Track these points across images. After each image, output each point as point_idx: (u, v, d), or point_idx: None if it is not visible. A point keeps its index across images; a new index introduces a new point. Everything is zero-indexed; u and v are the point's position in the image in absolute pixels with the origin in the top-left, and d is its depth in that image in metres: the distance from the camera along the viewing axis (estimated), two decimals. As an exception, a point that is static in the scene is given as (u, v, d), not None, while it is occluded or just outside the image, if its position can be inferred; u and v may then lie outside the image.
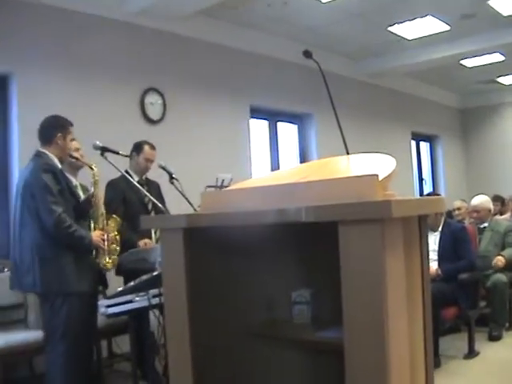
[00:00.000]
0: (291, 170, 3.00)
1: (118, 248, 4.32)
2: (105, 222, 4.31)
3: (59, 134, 4.12)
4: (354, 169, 2.38)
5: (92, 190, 4.32)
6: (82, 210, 4.22)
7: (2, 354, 4.36)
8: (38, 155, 4.10)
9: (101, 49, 6.02)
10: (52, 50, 5.64)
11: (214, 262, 2.30)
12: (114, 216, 4.40)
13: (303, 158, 8.58)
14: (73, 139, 4.25)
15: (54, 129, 4.15)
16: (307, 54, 2.92)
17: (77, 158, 4.36)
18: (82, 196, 4.38)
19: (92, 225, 4.28)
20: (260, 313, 2.53)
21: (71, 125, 4.24)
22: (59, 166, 4.12)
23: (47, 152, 4.10)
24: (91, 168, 4.32)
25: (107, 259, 4.23)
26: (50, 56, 5.62)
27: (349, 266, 1.78)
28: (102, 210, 4.32)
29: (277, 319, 2.55)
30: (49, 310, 4.05)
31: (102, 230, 4.25)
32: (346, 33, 7.78)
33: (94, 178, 4.30)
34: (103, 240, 4.20)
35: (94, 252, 4.15)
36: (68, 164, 4.40)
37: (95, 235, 4.14)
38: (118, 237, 4.35)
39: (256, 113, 7.82)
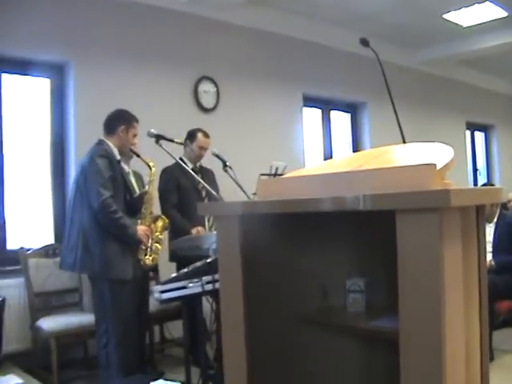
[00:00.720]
0: (346, 158, 3.00)
1: (160, 247, 4.39)
2: (152, 220, 4.39)
3: (122, 127, 4.28)
4: (410, 158, 2.36)
5: (146, 187, 4.40)
6: (133, 206, 4.29)
7: (57, 336, 4.52)
8: (99, 143, 4.23)
9: (155, 38, 6.08)
10: (108, 39, 5.72)
11: (269, 249, 2.31)
12: (163, 217, 4.49)
13: (356, 147, 8.52)
14: (135, 134, 4.36)
15: (118, 121, 4.31)
16: (364, 43, 2.88)
17: (138, 155, 4.43)
18: (134, 183, 4.45)
19: (139, 221, 4.35)
20: (314, 300, 2.53)
21: (136, 121, 4.38)
22: (118, 156, 4.21)
23: (107, 141, 4.24)
24: (149, 167, 4.40)
25: (147, 256, 4.28)
26: (105, 45, 5.71)
27: (406, 255, 1.77)
28: (152, 209, 4.40)
29: (331, 307, 2.55)
30: (96, 295, 4.18)
31: (149, 227, 4.32)
32: (400, 20, 7.65)
33: (150, 177, 4.40)
34: (147, 236, 4.26)
35: (135, 246, 4.21)
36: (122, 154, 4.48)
37: (141, 229, 4.22)
38: (161, 236, 4.43)
39: (309, 101, 7.78)
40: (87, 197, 4.03)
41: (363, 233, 2.43)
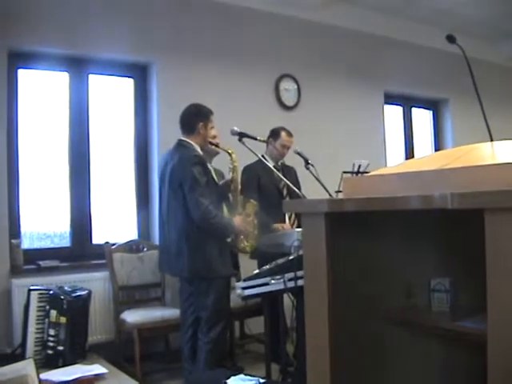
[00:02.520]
0: (430, 156, 2.97)
1: (255, 232, 4.42)
2: (243, 206, 4.41)
3: (201, 123, 4.26)
4: (499, 156, 2.32)
5: (230, 175, 4.42)
6: (220, 194, 4.35)
7: (140, 329, 4.65)
8: (183, 145, 4.24)
9: (237, 37, 6.17)
10: (190, 39, 5.83)
11: (354, 247, 2.32)
12: (251, 201, 4.49)
13: (438, 145, 8.37)
14: (212, 127, 4.37)
15: (196, 118, 4.28)
16: (451, 39, 2.83)
17: (217, 145, 4.47)
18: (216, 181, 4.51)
19: (225, 209, 4.41)
20: (398, 299, 2.53)
21: (211, 113, 4.36)
22: (201, 153, 4.25)
23: (190, 141, 4.24)
24: (229, 154, 4.41)
25: (246, 243, 4.35)
26: (188, 46, 5.82)
27: (495, 254, 1.74)
28: (240, 195, 4.42)
29: (415, 306, 2.54)
30: (190, 292, 4.26)
31: (241, 214, 4.35)
32: (485, 15, 7.46)
33: (232, 163, 4.40)
34: (244, 225, 4.31)
35: (233, 238, 4.30)
36: (204, 150, 4.55)
37: (237, 221, 4.26)
38: (255, 221, 4.44)
39: (390, 98, 7.71)
40: (186, 205, 4.07)
41: (448, 231, 2.42)
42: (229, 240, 4.31)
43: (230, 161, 4.43)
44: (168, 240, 4.23)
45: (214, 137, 4.53)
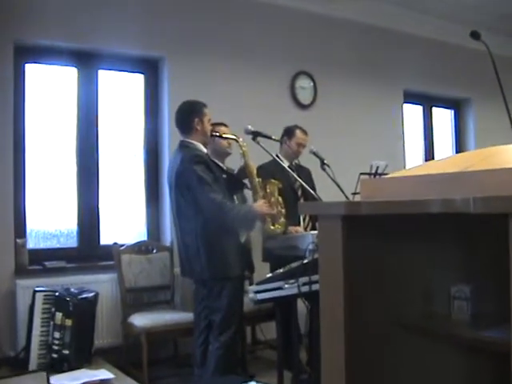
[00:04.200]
0: (451, 158, 2.96)
1: (283, 210, 4.41)
2: (264, 188, 4.38)
3: (196, 119, 4.23)
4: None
5: (242, 161, 4.37)
6: (236, 182, 4.33)
7: (149, 333, 4.65)
8: (185, 145, 4.23)
9: (251, 33, 6.17)
10: (203, 34, 5.83)
11: (372, 251, 2.31)
12: (272, 180, 4.47)
13: (459, 147, 8.33)
14: (209, 119, 4.32)
15: (189, 115, 4.26)
16: (475, 35, 2.81)
17: (219, 135, 4.43)
18: None
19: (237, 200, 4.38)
20: (417, 306, 2.52)
21: (205, 106, 4.31)
22: (205, 150, 4.25)
23: (192, 141, 4.23)
24: (236, 140, 4.36)
25: (275, 225, 4.33)
26: (200, 40, 5.82)
27: (519, 261, 1.74)
28: (257, 178, 4.36)
29: (434, 314, 2.53)
30: (209, 295, 4.23)
31: (264, 197, 4.32)
32: (511, 10, 7.41)
33: (241, 148, 4.34)
34: (269, 206, 4.26)
35: (259, 224, 4.29)
36: (213, 150, 4.54)
37: (258, 205, 4.21)
38: (280, 199, 4.42)
39: (409, 97, 7.68)
40: (197, 206, 4.06)
41: (470, 236, 2.40)
42: (243, 240, 4.29)
43: (239, 146, 4.35)
44: (183, 245, 4.24)
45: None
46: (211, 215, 4.03)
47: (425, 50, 7.52)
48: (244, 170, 4.40)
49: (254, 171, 4.39)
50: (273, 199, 4.38)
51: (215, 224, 4.06)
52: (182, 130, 4.30)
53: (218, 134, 4.42)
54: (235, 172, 4.44)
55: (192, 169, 4.05)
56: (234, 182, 4.37)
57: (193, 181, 4.04)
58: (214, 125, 4.48)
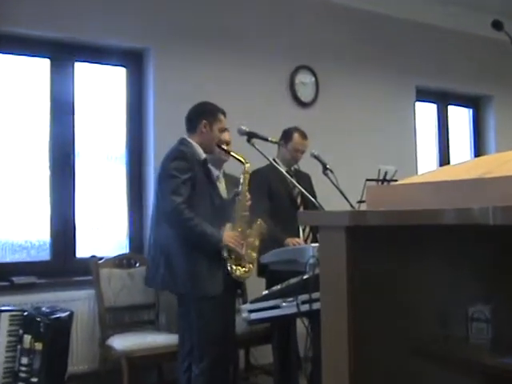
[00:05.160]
0: (468, 163, 2.95)
1: (255, 256, 4.39)
2: (246, 225, 4.36)
3: (204, 121, 4.29)
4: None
5: (240, 188, 4.37)
6: (224, 211, 4.31)
7: (130, 357, 4.62)
8: (180, 142, 4.29)
9: (246, 22, 6.17)
10: (192, 23, 5.83)
11: (380, 266, 2.31)
12: (260, 221, 4.46)
13: (478, 150, 8.34)
14: (225, 129, 4.40)
15: (199, 115, 4.34)
16: (497, 25, 2.80)
17: (226, 151, 4.45)
18: (222, 188, 4.50)
19: (228, 226, 4.37)
20: (429, 327, 2.51)
21: (222, 113, 4.37)
22: (202, 155, 4.25)
23: (190, 140, 4.28)
24: (242, 162, 4.38)
25: (240, 266, 4.28)
26: (190, 30, 5.81)
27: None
28: (246, 211, 4.36)
29: (449, 337, 2.52)
30: (182, 314, 4.26)
31: (242, 233, 4.30)
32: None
33: (244, 174, 4.37)
34: (239, 242, 4.23)
35: (225, 255, 4.19)
36: (213, 156, 4.54)
37: (228, 235, 4.18)
38: (257, 242, 4.41)
39: (422, 95, 7.69)
40: (158, 207, 4.14)
41: (490, 251, 2.40)
42: (225, 255, 4.26)
43: (243, 171, 4.38)
44: (154, 249, 4.27)
45: (227, 143, 4.55)
46: (167, 220, 4.08)
47: (440, 41, 7.52)
48: (235, 198, 4.40)
49: (247, 204, 4.39)
50: (250, 239, 4.37)
51: (177, 232, 4.08)
52: (186, 127, 4.39)
53: (224, 148, 4.45)
54: (228, 198, 4.43)
55: (167, 164, 4.13)
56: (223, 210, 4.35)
57: (163, 177, 4.12)
58: None
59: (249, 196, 4.39)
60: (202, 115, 4.34)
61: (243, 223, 4.35)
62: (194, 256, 4.09)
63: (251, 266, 4.37)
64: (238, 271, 4.27)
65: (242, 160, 4.39)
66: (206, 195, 4.22)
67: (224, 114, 4.42)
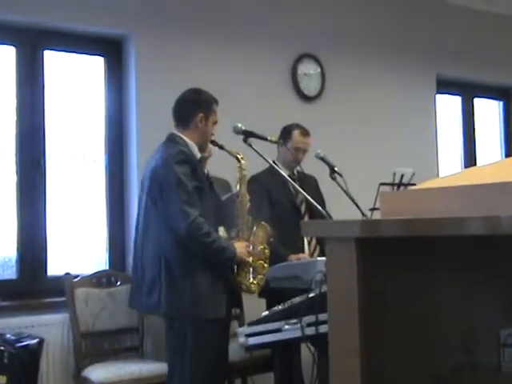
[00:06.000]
0: (498, 164, 2.96)
1: (266, 265, 4.39)
2: (251, 230, 4.38)
3: (201, 115, 4.25)
4: None
5: (237, 188, 4.40)
6: (222, 213, 4.33)
7: (110, 389, 4.59)
8: (172, 140, 4.22)
9: (243, 5, 6.18)
10: (179, 6, 5.84)
11: (395, 283, 2.32)
12: (264, 223, 4.47)
13: (509, 148, 8.34)
14: (216, 122, 4.35)
15: (194, 107, 4.28)
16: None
17: (219, 146, 4.45)
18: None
19: (225, 233, 4.38)
20: (453, 355, 2.51)
21: (216, 102, 4.34)
22: (198, 155, 4.24)
23: (184, 137, 4.23)
24: (238, 159, 4.39)
25: (251, 279, 4.31)
26: (175, 15, 5.82)
27: None
28: (248, 215, 4.38)
29: (477, 366, 2.52)
30: (174, 339, 4.22)
31: (248, 240, 4.33)
32: None
33: (240, 172, 4.38)
34: (249, 253, 4.27)
35: (235, 269, 4.23)
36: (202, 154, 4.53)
37: (240, 246, 4.21)
38: (266, 251, 4.41)
39: (444, 86, 7.70)
40: (167, 218, 4.05)
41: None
42: (233, 273, 4.27)
43: (238, 169, 4.40)
44: (142, 265, 4.20)
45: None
46: (180, 234, 4.00)
47: (465, 23, 7.52)
48: (235, 200, 4.41)
49: (248, 205, 4.41)
50: (258, 248, 4.39)
51: (186, 247, 4.03)
52: (177, 121, 4.32)
53: (218, 144, 4.45)
54: (224, 198, 4.43)
55: (171, 168, 4.03)
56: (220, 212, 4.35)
57: (169, 183, 4.02)
58: None
59: (248, 197, 4.41)
60: (198, 107, 4.28)
61: (247, 229, 4.37)
62: (200, 273, 4.06)
63: (262, 277, 4.38)
64: (253, 285, 4.31)
65: (238, 156, 4.41)
66: (210, 201, 4.23)
67: (217, 102, 4.38)
